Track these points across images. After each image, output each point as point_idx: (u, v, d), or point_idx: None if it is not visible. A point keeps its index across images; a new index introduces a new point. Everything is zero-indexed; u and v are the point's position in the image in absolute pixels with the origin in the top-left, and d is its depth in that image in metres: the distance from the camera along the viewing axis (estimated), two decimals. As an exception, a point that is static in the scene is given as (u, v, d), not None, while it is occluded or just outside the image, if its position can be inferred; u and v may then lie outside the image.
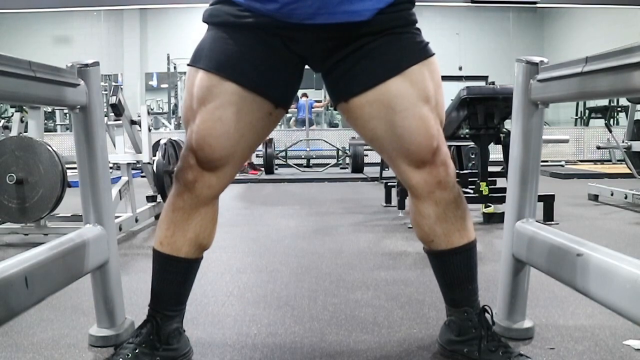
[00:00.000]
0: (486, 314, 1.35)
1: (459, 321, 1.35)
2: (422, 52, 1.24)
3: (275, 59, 1.21)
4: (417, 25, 1.26)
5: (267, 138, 5.41)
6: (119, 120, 3.38)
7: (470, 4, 7.93)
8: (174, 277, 1.32)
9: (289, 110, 1.31)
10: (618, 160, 7.64)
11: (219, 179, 1.26)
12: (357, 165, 7.56)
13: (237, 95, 1.19)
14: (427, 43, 1.25)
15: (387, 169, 5.83)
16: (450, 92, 4.38)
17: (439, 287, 1.41)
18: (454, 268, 1.35)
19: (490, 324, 1.34)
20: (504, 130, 3.43)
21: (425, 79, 1.22)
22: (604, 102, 10.42)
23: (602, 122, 9.37)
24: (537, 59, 1.42)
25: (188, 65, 1.26)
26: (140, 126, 3.50)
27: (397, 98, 1.20)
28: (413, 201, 1.32)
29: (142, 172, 4.37)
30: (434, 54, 1.26)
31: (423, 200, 1.29)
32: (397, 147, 1.24)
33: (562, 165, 8.23)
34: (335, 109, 1.41)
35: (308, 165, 8.85)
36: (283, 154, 8.53)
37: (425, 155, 1.23)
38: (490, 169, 3.56)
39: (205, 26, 1.27)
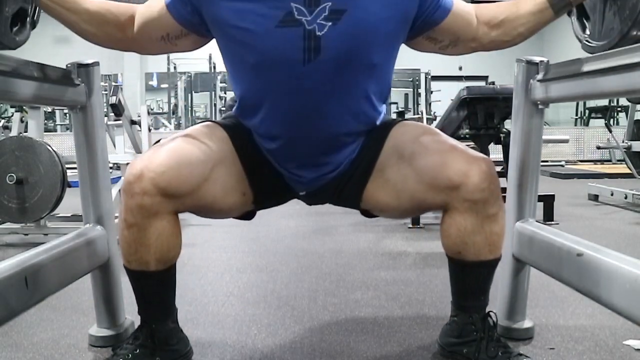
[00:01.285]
0: (490, 319, 1.33)
1: (461, 323, 1.34)
2: (385, 130, 1.33)
3: (277, 180, 1.34)
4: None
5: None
6: (119, 120, 3.38)
7: (470, 4, 7.91)
8: (151, 289, 1.28)
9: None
10: (618, 160, 7.63)
11: (176, 205, 1.20)
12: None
13: (232, 159, 1.27)
14: (391, 119, 1.37)
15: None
16: (450, 92, 4.38)
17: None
18: (474, 280, 1.32)
19: (492, 327, 1.33)
20: (504, 130, 3.43)
21: (404, 135, 1.31)
22: (604, 102, 10.41)
23: (602, 122, 9.37)
24: (537, 59, 1.42)
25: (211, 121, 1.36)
26: (140, 126, 3.50)
27: (395, 179, 1.29)
28: (449, 213, 1.25)
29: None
30: (400, 120, 1.37)
31: (462, 212, 1.23)
32: (429, 182, 1.25)
33: (562, 165, 8.22)
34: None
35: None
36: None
37: (458, 181, 1.21)
38: (490, 169, 3.55)
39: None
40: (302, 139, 1.26)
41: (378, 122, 1.32)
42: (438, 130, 1.35)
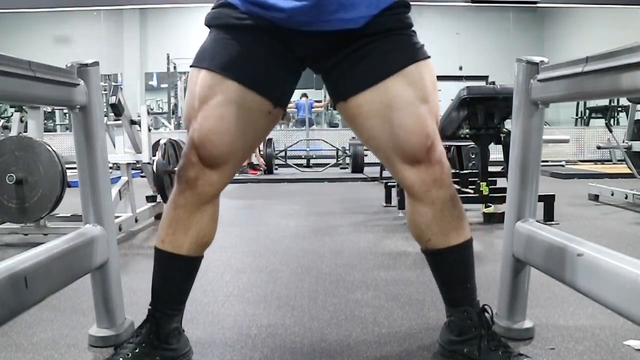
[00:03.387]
0: (486, 314, 1.35)
1: (458, 321, 1.35)
2: (419, 53, 1.26)
3: (275, 60, 1.23)
4: (414, 28, 1.28)
5: (267, 138, 5.41)
6: (119, 120, 3.38)
7: (470, 4, 7.92)
8: (175, 275, 1.34)
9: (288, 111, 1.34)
10: (618, 160, 7.63)
11: (220, 176, 1.27)
12: (357, 165, 7.57)
13: (238, 93, 1.21)
14: (423, 45, 1.28)
15: (386, 169, 5.82)
16: (450, 92, 4.38)
17: (437, 288, 1.42)
18: (452, 267, 1.36)
19: (490, 324, 1.35)
20: (504, 130, 3.43)
21: (423, 78, 1.24)
22: (604, 102, 10.42)
23: (602, 122, 9.37)
24: (537, 59, 1.42)
25: (191, 66, 1.28)
26: (140, 126, 3.50)
27: (395, 97, 1.22)
28: (410, 201, 1.33)
29: (142, 172, 4.37)
30: (430, 56, 1.28)
31: (420, 200, 1.29)
32: (394, 145, 1.25)
33: (563, 165, 8.23)
34: (335, 109, 1.43)
35: (308, 165, 8.85)
36: (282, 154, 8.53)
37: (421, 153, 1.24)
38: (491, 169, 3.56)
39: (206, 28, 1.29)
40: None
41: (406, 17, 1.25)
42: (435, 102, 1.28)
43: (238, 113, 1.21)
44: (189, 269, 1.35)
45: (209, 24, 1.28)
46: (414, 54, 1.25)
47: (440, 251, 1.34)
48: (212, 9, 1.27)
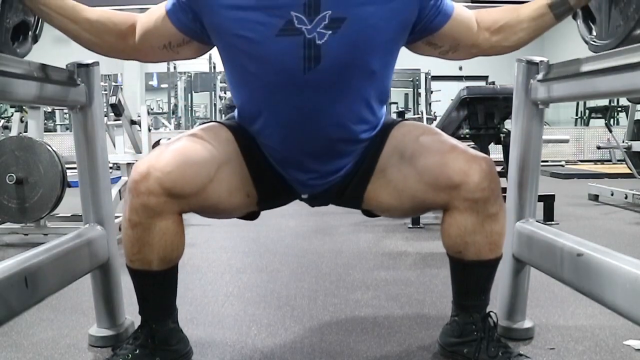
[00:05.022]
0: (489, 319, 1.33)
1: (462, 322, 1.34)
2: (387, 129, 1.33)
3: (280, 183, 1.34)
4: None
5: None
6: (119, 120, 3.38)
7: (470, 4, 7.93)
8: (153, 289, 1.28)
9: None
10: (618, 160, 7.61)
11: (185, 205, 1.21)
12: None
13: (237, 160, 1.28)
14: (392, 120, 1.37)
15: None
16: (450, 92, 4.38)
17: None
18: (475, 279, 1.32)
19: (493, 327, 1.33)
20: (504, 130, 3.43)
21: (405, 135, 1.31)
22: (604, 102, 10.40)
23: (602, 122, 9.36)
24: (537, 59, 1.42)
25: (218, 122, 1.37)
26: (140, 126, 3.50)
27: (396, 179, 1.29)
28: (449, 212, 1.26)
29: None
30: (400, 120, 1.37)
31: (463, 211, 1.23)
32: (428, 187, 1.26)
33: (563, 165, 8.22)
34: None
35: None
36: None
37: (458, 179, 1.22)
38: (491, 169, 3.55)
39: None
40: (302, 146, 1.26)
41: (378, 127, 1.32)
42: (438, 130, 1.35)
43: (226, 167, 1.26)
44: (166, 282, 1.29)
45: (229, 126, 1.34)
46: (384, 133, 1.32)
47: (468, 263, 1.29)
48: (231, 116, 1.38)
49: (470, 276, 1.32)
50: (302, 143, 1.26)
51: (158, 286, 1.28)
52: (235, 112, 1.35)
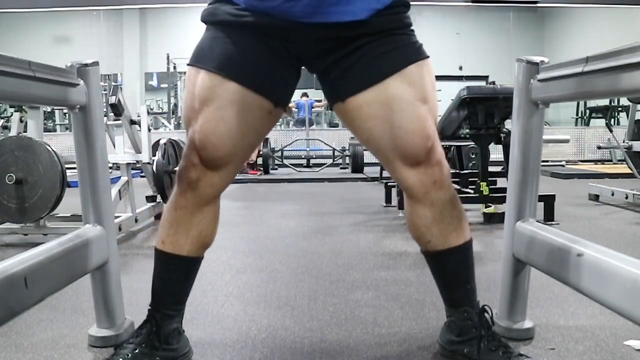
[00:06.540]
0: (486, 314, 1.35)
1: (458, 322, 1.35)
2: (419, 53, 1.25)
3: (274, 59, 1.22)
4: (414, 27, 1.27)
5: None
6: (119, 120, 3.38)
7: (470, 4, 7.92)
8: (175, 275, 1.34)
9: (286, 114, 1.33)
10: (619, 160, 7.63)
11: (222, 177, 1.27)
12: (357, 165, 7.56)
13: (238, 94, 1.20)
14: (422, 45, 1.27)
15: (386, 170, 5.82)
16: (450, 92, 4.38)
17: (437, 288, 1.42)
18: (452, 268, 1.36)
19: (490, 324, 1.35)
20: (504, 130, 3.43)
21: (423, 79, 1.24)
22: (604, 102, 10.41)
23: (602, 122, 9.36)
24: (537, 59, 1.42)
25: (188, 65, 1.26)
26: (140, 126, 3.49)
27: (395, 98, 1.21)
28: (409, 202, 1.32)
29: (141, 172, 4.37)
30: (429, 56, 1.27)
31: (419, 201, 1.29)
32: (394, 146, 1.24)
33: (563, 165, 8.22)
34: (332, 110, 1.39)
35: (308, 165, 8.84)
36: (279, 153, 8.51)
37: (421, 154, 1.24)
38: (491, 169, 3.55)
39: (204, 26, 1.27)
40: None
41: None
42: (432, 102, 1.27)
43: (239, 114, 1.21)
44: (189, 269, 1.35)
45: (205, 20, 1.26)
46: (414, 54, 1.24)
47: (440, 253, 1.34)
48: (209, 4, 1.26)
49: (446, 266, 1.36)
50: None
51: (181, 272, 1.33)
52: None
